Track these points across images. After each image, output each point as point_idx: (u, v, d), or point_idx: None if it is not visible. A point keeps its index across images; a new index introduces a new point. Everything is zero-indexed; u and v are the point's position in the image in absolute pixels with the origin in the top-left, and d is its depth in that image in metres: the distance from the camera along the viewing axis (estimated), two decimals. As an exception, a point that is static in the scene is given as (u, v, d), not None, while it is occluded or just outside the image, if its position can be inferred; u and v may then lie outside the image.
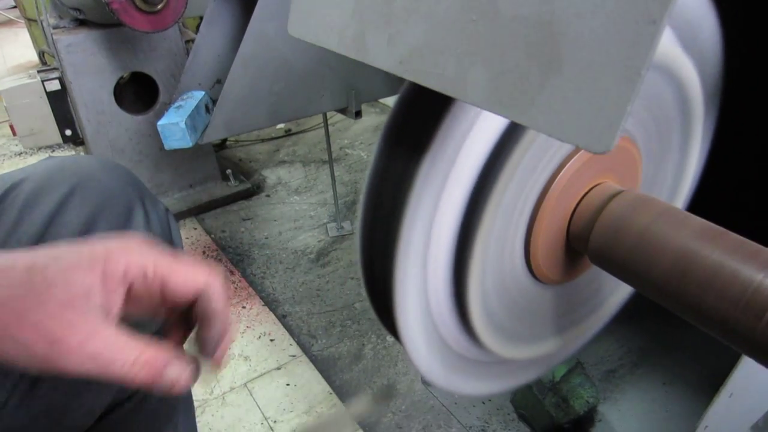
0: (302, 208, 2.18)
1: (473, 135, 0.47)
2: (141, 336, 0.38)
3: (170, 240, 0.66)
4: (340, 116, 2.26)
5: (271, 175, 2.42)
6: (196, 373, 0.40)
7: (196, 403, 1.33)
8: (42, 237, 0.54)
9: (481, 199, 0.50)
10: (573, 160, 0.54)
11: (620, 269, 0.55)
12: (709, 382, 0.93)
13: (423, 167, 0.46)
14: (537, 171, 0.53)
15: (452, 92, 0.38)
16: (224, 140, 2.61)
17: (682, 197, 0.70)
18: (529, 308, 0.62)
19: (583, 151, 0.54)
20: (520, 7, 0.33)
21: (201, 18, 2.08)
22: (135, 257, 0.38)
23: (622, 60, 0.28)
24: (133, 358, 0.37)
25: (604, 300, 0.71)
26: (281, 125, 2.80)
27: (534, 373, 0.73)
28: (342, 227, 1.99)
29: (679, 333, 1.08)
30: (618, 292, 0.73)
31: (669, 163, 0.65)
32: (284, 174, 2.42)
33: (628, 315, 1.14)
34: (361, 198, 0.51)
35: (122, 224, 0.58)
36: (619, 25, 0.28)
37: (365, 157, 2.49)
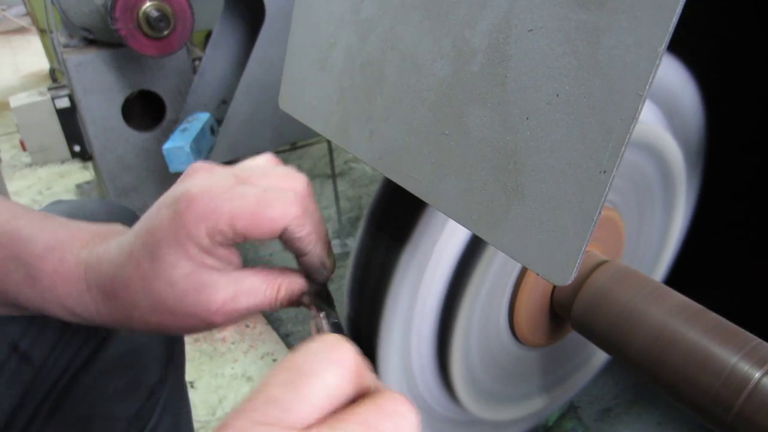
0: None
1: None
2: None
3: None
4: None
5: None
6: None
7: (197, 425, 1.35)
8: None
9: (464, 278, 0.51)
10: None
11: (601, 340, 0.56)
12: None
13: (405, 253, 0.47)
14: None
15: (426, 198, 0.39)
16: (231, 153, 2.63)
17: (667, 257, 0.70)
18: (515, 371, 0.63)
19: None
20: (487, 130, 0.35)
21: (208, 33, 2.10)
22: (212, 221, 0.36)
23: (577, 202, 0.30)
24: (269, 300, 0.41)
25: (590, 356, 0.73)
26: (286, 138, 2.81)
27: (522, 428, 0.74)
28: (345, 244, 2.01)
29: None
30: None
31: (654, 227, 0.66)
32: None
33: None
34: (348, 274, 0.52)
35: None
36: (573, 168, 0.30)
37: (370, 171, 2.50)
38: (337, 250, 2.00)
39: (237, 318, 0.41)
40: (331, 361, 0.26)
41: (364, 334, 0.52)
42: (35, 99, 2.07)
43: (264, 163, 0.46)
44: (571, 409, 0.92)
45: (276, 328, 1.71)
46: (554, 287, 0.59)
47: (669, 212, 0.65)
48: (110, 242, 0.42)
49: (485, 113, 0.35)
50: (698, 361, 0.48)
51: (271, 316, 1.76)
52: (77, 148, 2.13)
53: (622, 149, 0.28)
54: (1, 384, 0.57)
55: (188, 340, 1.72)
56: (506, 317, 0.59)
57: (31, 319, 0.58)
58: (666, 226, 0.67)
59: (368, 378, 0.28)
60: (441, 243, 0.49)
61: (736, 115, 0.67)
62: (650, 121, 0.56)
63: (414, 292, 0.50)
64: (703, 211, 0.70)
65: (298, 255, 0.41)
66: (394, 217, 0.48)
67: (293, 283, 0.42)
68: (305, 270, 0.42)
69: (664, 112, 0.58)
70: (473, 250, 0.50)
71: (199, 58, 1.97)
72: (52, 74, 2.21)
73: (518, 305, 0.58)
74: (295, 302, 0.43)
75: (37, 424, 0.59)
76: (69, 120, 2.08)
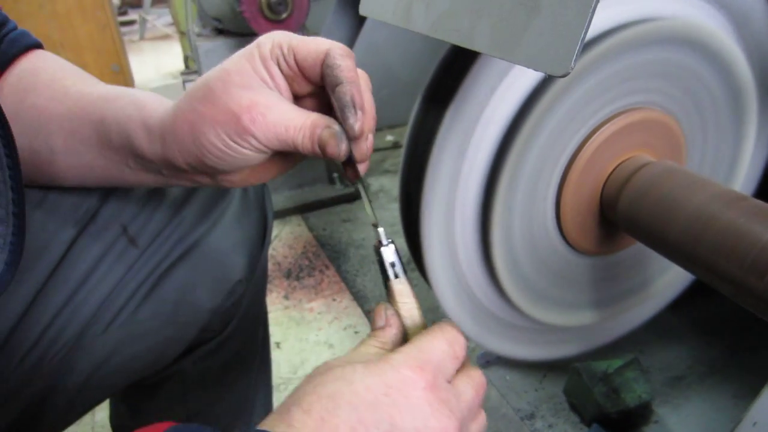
0: (399, 216, 2.27)
1: (499, 93, 0.53)
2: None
3: (263, 205, 0.76)
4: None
5: (374, 183, 2.54)
6: (341, 137, 0.46)
7: (279, 380, 1.44)
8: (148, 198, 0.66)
9: (505, 152, 0.55)
10: (600, 131, 0.58)
11: (644, 233, 0.58)
12: (783, 400, 0.87)
13: (447, 116, 0.52)
14: (563, 138, 0.57)
15: (466, 44, 0.45)
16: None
17: (738, 184, 0.69)
18: (562, 273, 0.66)
19: (610, 123, 0.58)
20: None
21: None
22: (275, 39, 0.47)
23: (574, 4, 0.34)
24: (301, 123, 0.46)
25: (649, 281, 0.73)
26: (389, 137, 2.93)
27: (571, 349, 0.75)
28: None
29: (757, 351, 1.02)
30: (666, 276, 0.73)
31: (722, 146, 0.66)
32: (387, 183, 2.54)
33: (704, 326, 1.09)
34: (403, 149, 0.58)
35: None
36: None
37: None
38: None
39: (264, 133, 0.46)
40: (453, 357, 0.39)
41: (414, 202, 0.58)
42: (169, 81, 2.34)
43: None
44: (634, 361, 0.90)
45: (361, 305, 1.79)
46: (603, 188, 0.61)
47: (740, 133, 0.64)
48: None
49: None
50: (735, 236, 0.49)
51: (357, 293, 1.84)
52: (201, 130, 2.36)
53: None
54: (109, 261, 0.64)
55: (279, 306, 1.84)
56: (553, 214, 0.62)
57: (142, 206, 0.67)
58: (737, 147, 0.65)
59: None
60: (487, 112, 0.53)
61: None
62: (712, 23, 0.57)
63: (459, 158, 0.55)
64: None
65: (335, 85, 0.45)
66: (443, 86, 0.54)
67: (324, 120, 0.46)
68: (339, 110, 0.46)
69: (731, 21, 0.58)
70: (516, 125, 0.54)
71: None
72: (185, 61, 2.48)
73: (564, 201, 0.61)
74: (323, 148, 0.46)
75: (132, 303, 0.65)
76: (196, 103, 2.32)
